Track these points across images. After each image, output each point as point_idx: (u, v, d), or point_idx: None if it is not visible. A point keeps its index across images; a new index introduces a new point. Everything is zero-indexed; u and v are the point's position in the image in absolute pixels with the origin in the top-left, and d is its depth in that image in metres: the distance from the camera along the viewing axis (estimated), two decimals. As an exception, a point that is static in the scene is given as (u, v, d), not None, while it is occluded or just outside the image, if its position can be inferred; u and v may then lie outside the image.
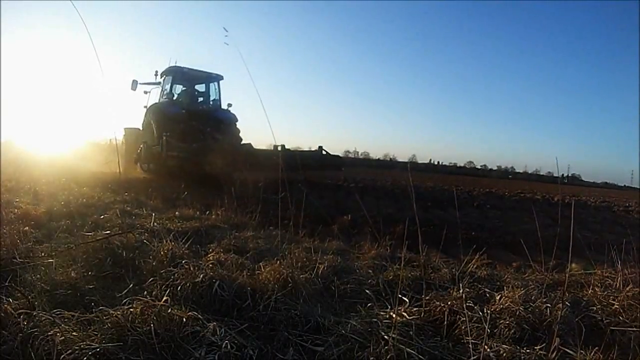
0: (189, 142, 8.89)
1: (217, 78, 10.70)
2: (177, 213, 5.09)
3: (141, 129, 10.38)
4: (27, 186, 6.84)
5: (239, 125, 10.50)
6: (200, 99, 10.73)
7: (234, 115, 10.37)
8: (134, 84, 10.26)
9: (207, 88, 10.76)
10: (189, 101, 10.41)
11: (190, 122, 9.49)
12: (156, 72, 10.54)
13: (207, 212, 5.34)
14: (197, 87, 10.84)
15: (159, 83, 10.57)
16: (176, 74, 10.16)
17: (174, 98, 10.18)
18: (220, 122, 9.91)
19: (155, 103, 10.33)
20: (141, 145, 9.95)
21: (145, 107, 10.54)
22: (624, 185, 68.06)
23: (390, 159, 76.34)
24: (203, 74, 10.64)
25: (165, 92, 10.25)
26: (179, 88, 10.56)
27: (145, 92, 10.73)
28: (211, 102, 10.74)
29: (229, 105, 10.67)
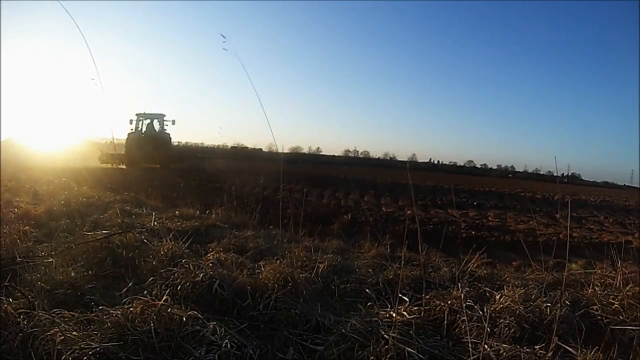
0: (141, 150, 17.79)
1: (161, 116, 19.86)
2: (176, 212, 5.09)
3: (125, 144, 19.08)
4: (27, 186, 6.85)
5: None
6: (154, 128, 19.97)
7: (167, 134, 19.99)
8: (130, 122, 19.74)
9: (154, 122, 19.86)
10: (145, 130, 19.68)
11: (143, 140, 18.83)
12: (130, 120, 19.83)
13: (207, 212, 5.34)
14: (153, 121, 19.89)
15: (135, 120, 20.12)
16: (139, 116, 19.79)
17: (138, 129, 19.68)
18: (157, 140, 19.24)
19: (131, 131, 19.57)
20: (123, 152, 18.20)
21: (129, 133, 19.64)
22: (624, 185, 68.05)
23: (390, 158, 76.32)
24: (153, 115, 19.78)
25: (134, 126, 19.72)
26: (144, 122, 19.82)
27: (130, 123, 19.89)
28: (156, 130, 19.91)
29: (173, 122, 20.09)
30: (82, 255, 2.77)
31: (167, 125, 19.88)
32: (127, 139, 18.77)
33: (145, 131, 19.38)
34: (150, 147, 18.18)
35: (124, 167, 15.96)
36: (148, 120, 19.49)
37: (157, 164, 18.15)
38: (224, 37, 3.05)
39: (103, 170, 12.11)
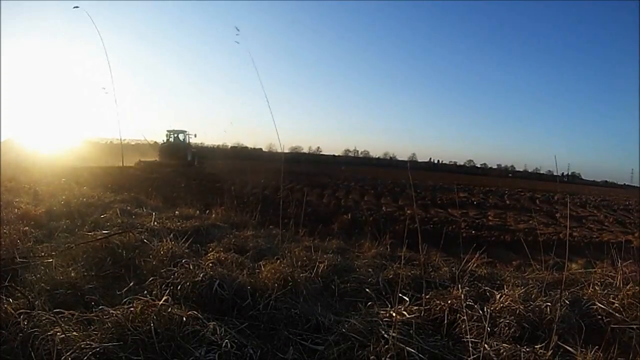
0: (168, 156, 23.72)
1: (184, 132, 26.19)
2: (177, 212, 5.09)
3: (158, 151, 24.71)
4: (27, 186, 6.85)
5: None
6: (178, 140, 26.12)
7: (188, 144, 26.18)
8: (171, 136, 25.91)
9: (179, 136, 25.99)
10: (172, 141, 25.61)
11: (170, 149, 24.61)
12: (167, 132, 26.25)
13: (207, 211, 5.33)
14: (178, 135, 26.13)
15: (166, 135, 26.30)
16: (169, 132, 25.87)
17: (170, 140, 25.69)
18: (179, 148, 25.10)
19: (163, 142, 25.34)
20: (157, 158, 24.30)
21: (161, 144, 25.18)
22: (624, 184, 68.06)
23: (391, 157, 76.30)
24: (179, 131, 26.02)
25: (166, 138, 25.75)
26: (172, 136, 25.91)
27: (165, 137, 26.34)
28: (181, 141, 26.05)
29: (195, 135, 27.71)
30: (82, 256, 2.77)
31: (190, 136, 26.61)
32: (160, 147, 24.60)
33: (172, 142, 25.59)
34: (175, 154, 24.27)
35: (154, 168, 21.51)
36: (175, 135, 26.05)
37: (178, 165, 22.92)
38: (238, 30, 3.05)
39: (103, 170, 12.11)
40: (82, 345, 1.57)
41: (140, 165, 21.33)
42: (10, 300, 1.91)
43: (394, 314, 1.94)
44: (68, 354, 1.54)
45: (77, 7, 3.00)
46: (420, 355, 1.68)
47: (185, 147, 25.45)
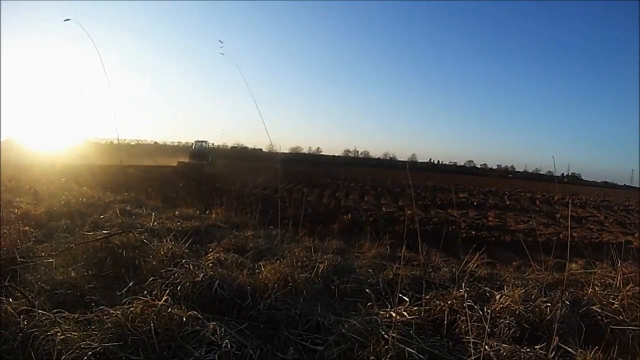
0: (194, 158, 31.68)
1: (206, 141, 36.92)
2: (176, 212, 5.09)
3: (188, 155, 32.71)
4: (27, 186, 6.85)
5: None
6: (202, 146, 35.15)
7: (207, 149, 35.04)
8: (197, 144, 35.70)
9: (202, 144, 35.25)
10: (197, 148, 34.52)
11: (197, 152, 33.14)
12: (192, 144, 37.56)
13: (207, 212, 5.33)
14: (202, 143, 35.43)
15: (191, 145, 37.37)
16: (196, 142, 36.24)
17: (197, 146, 35.15)
18: (203, 153, 33.10)
19: (191, 148, 35.66)
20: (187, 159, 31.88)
21: (190, 149, 35.36)
22: (624, 185, 68.14)
23: (390, 158, 76.33)
24: (202, 141, 36.35)
25: (193, 146, 36.03)
26: (197, 144, 35.55)
27: (192, 145, 36.84)
28: (204, 147, 35.03)
29: (213, 144, 43.66)
30: (82, 255, 2.77)
31: (211, 144, 37.24)
32: (190, 152, 33.51)
33: (198, 148, 34.18)
34: (200, 156, 31.89)
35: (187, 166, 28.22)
36: (200, 143, 34.94)
37: (203, 164, 29.79)
38: (222, 43, 3.12)
39: (103, 170, 12.13)
40: (82, 345, 1.57)
41: (180, 164, 29.39)
42: (10, 300, 1.91)
43: (393, 315, 1.94)
44: (68, 354, 1.54)
45: (68, 19, 3.01)
46: (420, 356, 1.68)
47: (207, 151, 34.75)
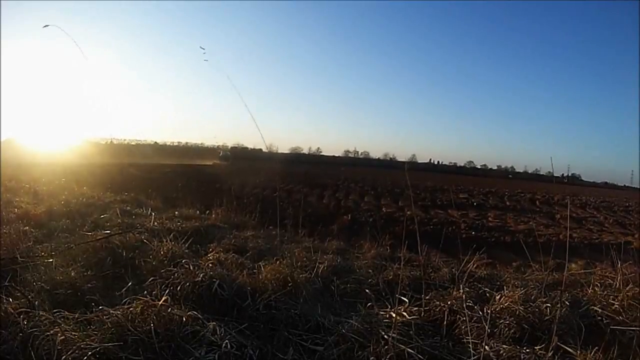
0: (220, 160, 48.80)
1: (227, 147, 62.80)
2: (176, 212, 5.08)
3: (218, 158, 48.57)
4: (27, 186, 6.85)
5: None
6: (226, 153, 54.09)
7: (229, 155, 53.65)
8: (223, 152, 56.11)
9: (226, 152, 55.43)
10: (223, 154, 53.07)
11: (224, 155, 52.23)
12: (219, 151, 57.65)
13: (207, 212, 5.33)
14: (226, 152, 54.45)
15: (219, 152, 56.12)
16: (219, 148, 61.47)
17: (222, 154, 53.26)
18: (227, 155, 52.00)
19: (220, 153, 54.81)
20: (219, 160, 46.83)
21: (219, 154, 53.74)
22: (624, 185, 68.21)
23: (390, 158, 76.35)
24: (225, 147, 63.00)
25: (222, 151, 57.34)
26: (222, 150, 58.00)
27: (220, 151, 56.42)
28: (227, 152, 56.58)
29: (231, 148, 65.44)
30: (82, 255, 2.77)
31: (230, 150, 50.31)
32: (219, 155, 44.61)
33: (225, 152, 43.42)
34: (225, 158, 40.79)
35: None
36: (225, 152, 43.71)
37: (228, 164, 36.82)
38: (204, 49, 3.14)
39: (103, 170, 12.13)
40: (82, 345, 1.57)
41: (215, 164, 39.24)
42: (10, 300, 1.91)
43: (393, 315, 1.94)
44: (68, 354, 1.54)
45: (47, 25, 3.00)
46: (420, 356, 1.68)
47: (229, 156, 47.70)
